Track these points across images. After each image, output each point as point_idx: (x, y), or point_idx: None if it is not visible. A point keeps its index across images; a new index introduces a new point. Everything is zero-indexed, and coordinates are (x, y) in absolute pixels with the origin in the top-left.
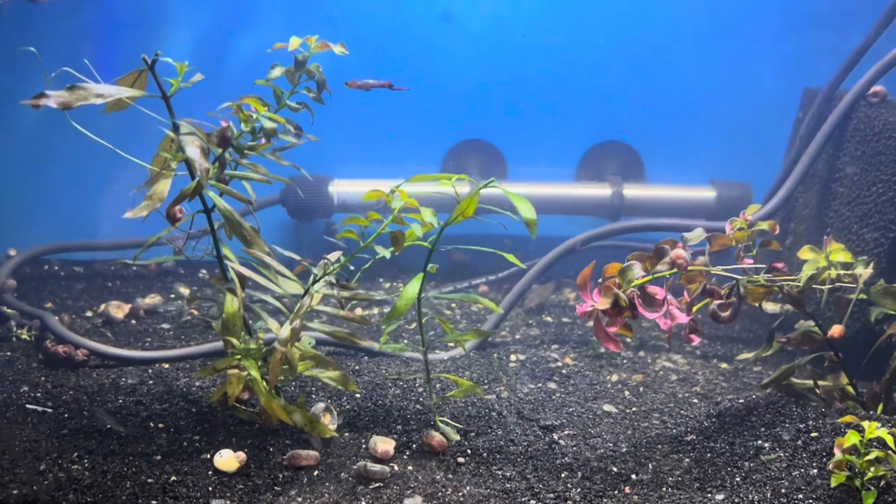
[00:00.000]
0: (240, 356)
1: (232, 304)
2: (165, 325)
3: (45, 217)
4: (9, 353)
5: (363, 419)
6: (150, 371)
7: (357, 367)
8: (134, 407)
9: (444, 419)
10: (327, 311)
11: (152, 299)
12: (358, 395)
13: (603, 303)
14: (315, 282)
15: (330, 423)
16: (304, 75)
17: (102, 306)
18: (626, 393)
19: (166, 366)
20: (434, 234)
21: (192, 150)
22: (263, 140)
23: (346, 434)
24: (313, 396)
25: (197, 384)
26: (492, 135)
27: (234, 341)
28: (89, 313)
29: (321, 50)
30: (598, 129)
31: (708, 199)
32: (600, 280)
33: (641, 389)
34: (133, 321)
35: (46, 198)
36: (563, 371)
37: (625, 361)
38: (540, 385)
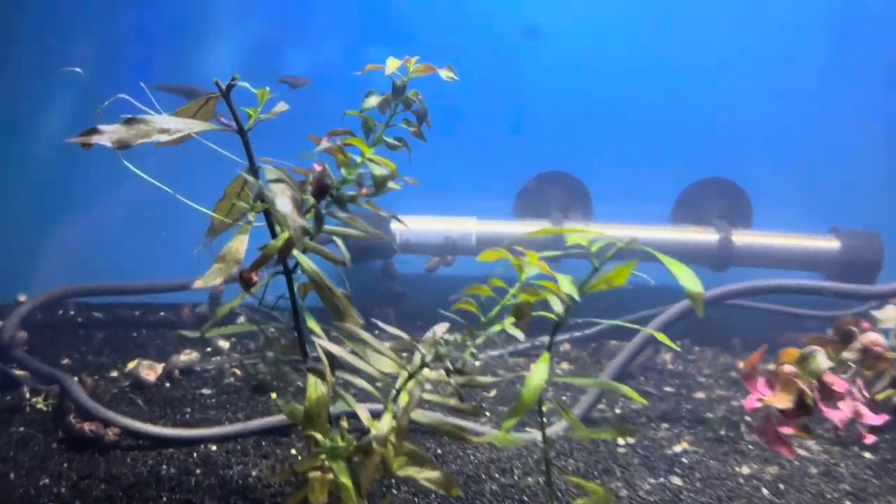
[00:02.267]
0: (325, 456)
1: (317, 389)
2: (206, 390)
3: (59, 256)
4: (22, 429)
5: None
6: (195, 455)
7: (440, 451)
8: None
9: None
10: (431, 400)
11: (188, 356)
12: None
13: (781, 400)
14: (424, 365)
15: None
16: (401, 104)
17: (130, 364)
18: (765, 491)
19: (214, 448)
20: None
21: (284, 202)
22: (363, 188)
23: None
24: (394, 491)
25: (254, 473)
26: (575, 166)
27: (319, 437)
28: (114, 373)
29: (423, 74)
30: (700, 163)
31: (830, 251)
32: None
33: (781, 487)
34: (167, 384)
35: (60, 234)
36: (683, 460)
37: (751, 447)
38: (662, 480)
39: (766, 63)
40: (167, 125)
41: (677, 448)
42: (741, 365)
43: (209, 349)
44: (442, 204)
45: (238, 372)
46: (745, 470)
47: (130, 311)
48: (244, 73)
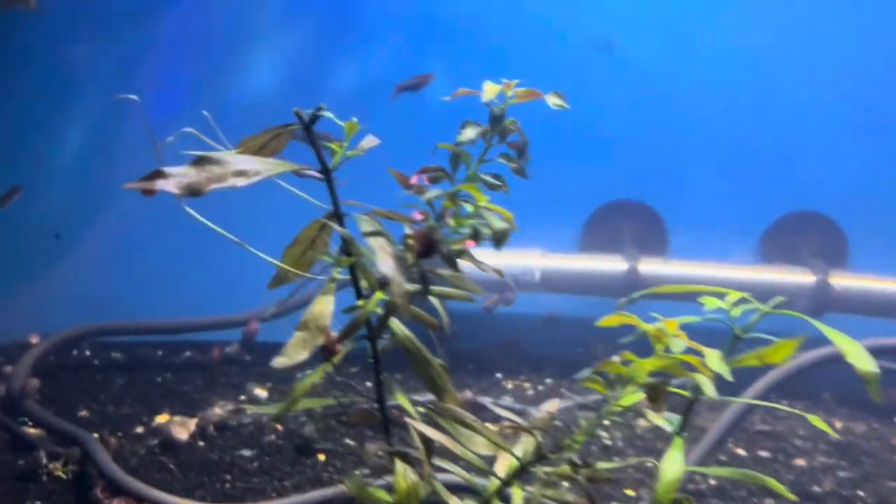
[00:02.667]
0: None
1: (407, 479)
2: (245, 451)
3: (73, 290)
4: (39, 503)
5: None
6: None
7: None
8: None
9: None
10: (546, 497)
11: (223, 409)
12: None
13: None
14: (542, 457)
15: None
16: (497, 136)
17: (158, 419)
18: None
19: None
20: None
21: (386, 262)
22: (469, 242)
23: None
24: None
25: None
26: (649, 194)
27: None
28: (139, 428)
29: (524, 100)
30: (790, 195)
31: None
32: None
33: None
34: (201, 443)
35: (74, 265)
36: None
37: None
38: None
39: (866, 93)
40: (243, 166)
41: None
42: None
43: (243, 397)
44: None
45: (279, 427)
46: None
47: (152, 352)
48: (287, 85)
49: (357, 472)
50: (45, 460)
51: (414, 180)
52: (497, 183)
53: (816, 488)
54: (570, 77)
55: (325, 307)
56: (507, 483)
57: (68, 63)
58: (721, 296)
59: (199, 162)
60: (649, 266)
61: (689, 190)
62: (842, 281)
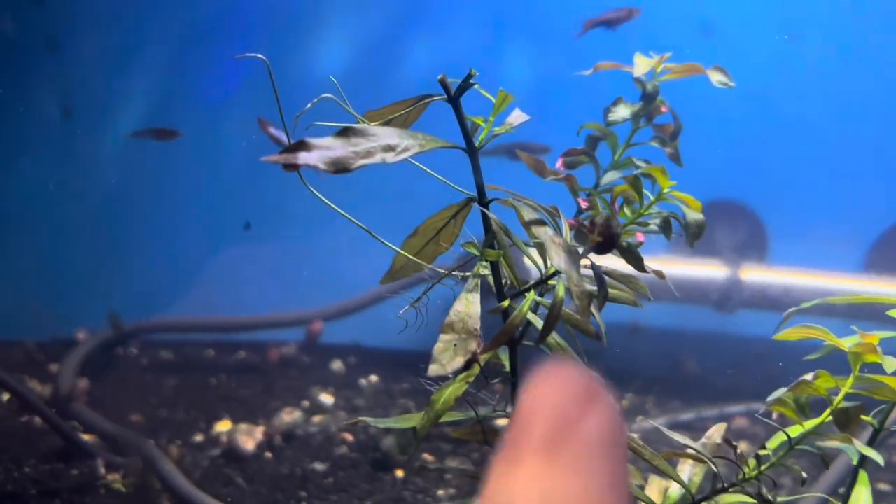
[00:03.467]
0: None
1: None
2: (318, 465)
3: (120, 281)
4: None
5: None
6: None
7: None
8: None
9: None
10: None
11: (290, 416)
12: None
13: None
14: (723, 489)
15: None
16: (644, 117)
17: (219, 426)
18: None
19: None
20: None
21: (559, 255)
22: (639, 235)
23: None
24: None
25: None
26: (749, 194)
27: None
28: (199, 436)
29: (681, 76)
30: None
31: None
32: None
33: None
34: (268, 453)
35: (122, 257)
36: None
37: None
38: None
39: None
40: (392, 140)
41: None
42: None
43: (307, 403)
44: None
45: (349, 437)
46: None
47: (203, 351)
48: (358, 68)
49: (442, 492)
50: (102, 470)
51: (559, 165)
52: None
53: None
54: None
55: (472, 307)
56: None
57: (122, 40)
58: None
59: (345, 133)
60: (752, 273)
61: (795, 190)
62: None
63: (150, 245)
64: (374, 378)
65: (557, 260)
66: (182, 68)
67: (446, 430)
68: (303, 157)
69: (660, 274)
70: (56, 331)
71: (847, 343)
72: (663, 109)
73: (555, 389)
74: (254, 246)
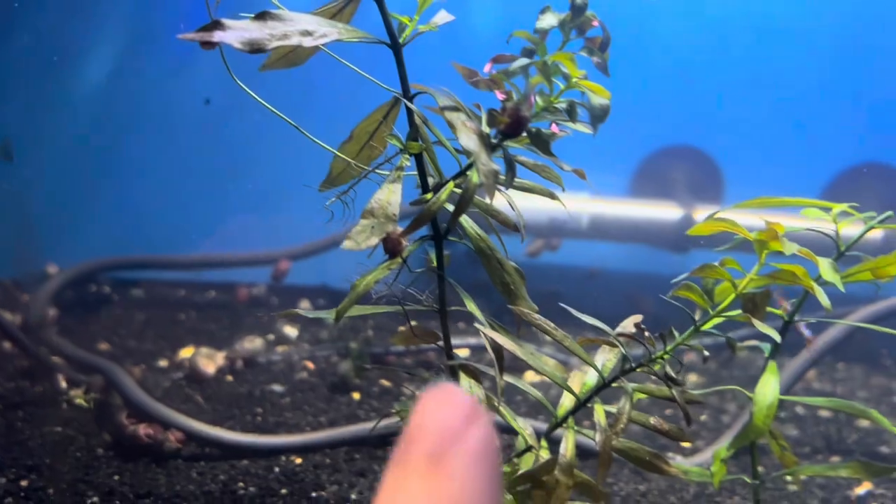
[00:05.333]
0: None
1: (473, 395)
2: (276, 387)
3: (100, 220)
4: (59, 429)
5: None
6: (276, 469)
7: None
8: None
9: None
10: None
11: (251, 343)
12: None
13: None
14: (631, 369)
15: None
16: (575, 30)
17: (183, 352)
18: None
19: (298, 460)
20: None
21: (468, 137)
22: (554, 126)
23: None
24: None
25: (353, 497)
26: (705, 140)
27: None
28: (164, 362)
29: None
30: (863, 144)
31: None
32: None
33: None
34: (229, 377)
35: (95, 195)
36: None
37: None
38: None
39: None
40: (310, 26)
41: (860, 490)
42: None
43: (272, 337)
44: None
45: (310, 365)
46: None
47: (174, 290)
48: None
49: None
50: (65, 386)
51: (487, 68)
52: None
53: (884, 448)
54: (628, 13)
55: (392, 195)
56: (585, 401)
57: None
58: (827, 209)
59: (262, 16)
60: (705, 214)
61: (751, 135)
62: None
63: (120, 186)
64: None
65: (467, 141)
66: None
67: (407, 360)
68: (218, 36)
69: (580, 173)
70: (29, 267)
71: (753, 233)
72: (594, 23)
73: (440, 408)
74: (224, 187)
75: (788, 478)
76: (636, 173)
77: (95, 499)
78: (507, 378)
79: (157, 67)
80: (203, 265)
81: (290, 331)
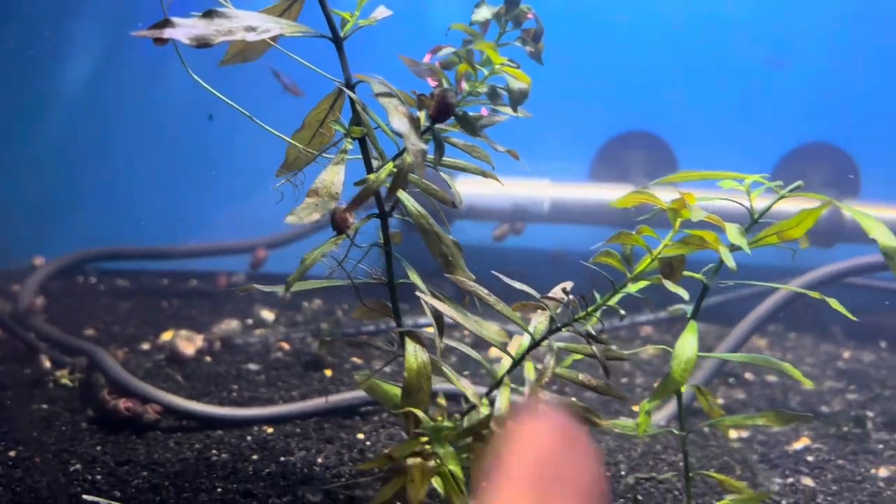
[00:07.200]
0: (427, 439)
1: (418, 358)
2: (252, 365)
3: (86, 213)
4: (45, 407)
5: None
6: (248, 439)
7: None
8: (242, 501)
9: None
10: (559, 373)
11: (228, 326)
12: None
13: None
14: (556, 330)
15: None
16: (511, 22)
17: (164, 336)
18: None
19: (270, 430)
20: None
21: (399, 120)
22: (483, 109)
23: None
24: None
25: (319, 461)
26: (660, 126)
27: (422, 415)
28: (146, 345)
29: None
30: (806, 126)
31: None
32: None
33: None
34: (207, 358)
35: (83, 191)
36: (808, 458)
37: (881, 447)
38: (791, 481)
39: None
40: (254, 22)
41: (798, 445)
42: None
43: (250, 321)
44: (509, 165)
45: (285, 346)
46: (883, 472)
47: (158, 280)
48: None
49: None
50: (50, 368)
51: (426, 59)
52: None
53: (825, 408)
54: (584, 5)
55: (335, 175)
56: (518, 361)
57: None
58: (740, 180)
59: (209, 14)
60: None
61: (701, 122)
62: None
63: (102, 181)
64: (317, 302)
65: (398, 123)
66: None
67: (378, 339)
68: (168, 33)
69: (513, 153)
70: (16, 260)
71: (677, 205)
72: (529, 15)
73: (538, 434)
74: (203, 180)
75: (732, 435)
76: (595, 158)
77: (78, 466)
78: (450, 342)
79: (139, 61)
80: (184, 255)
81: (268, 315)
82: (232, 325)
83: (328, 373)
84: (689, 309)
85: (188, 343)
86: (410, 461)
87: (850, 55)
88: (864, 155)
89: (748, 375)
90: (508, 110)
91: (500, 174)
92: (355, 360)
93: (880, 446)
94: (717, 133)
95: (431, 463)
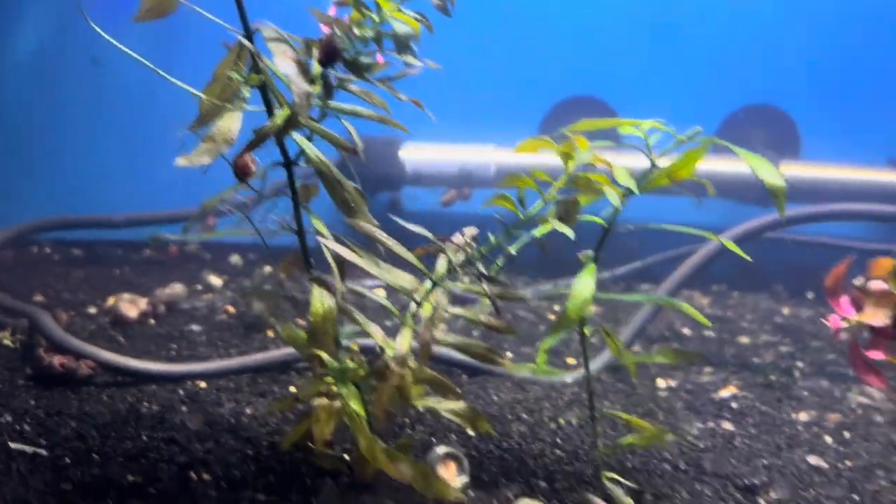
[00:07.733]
0: (332, 380)
1: (323, 303)
2: (195, 327)
3: (37, 184)
4: None
5: (488, 469)
6: (180, 392)
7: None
8: (165, 448)
9: (613, 475)
10: (458, 313)
11: (173, 290)
12: (472, 433)
13: (875, 316)
14: (451, 269)
15: (454, 477)
16: None
17: (110, 300)
18: (828, 439)
19: (203, 385)
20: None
21: (285, 63)
22: (379, 56)
23: (472, 492)
24: (408, 431)
25: (248, 411)
26: (605, 91)
27: (326, 357)
28: (93, 310)
29: None
30: (748, 89)
31: None
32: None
33: (847, 435)
34: (151, 320)
35: (36, 158)
36: (733, 405)
37: (806, 394)
38: (711, 425)
39: None
40: None
41: (724, 393)
42: (827, 282)
43: (198, 286)
44: (458, 131)
45: (231, 309)
46: (803, 417)
47: (112, 249)
48: None
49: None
50: None
51: (331, 12)
52: (418, 18)
53: (756, 359)
54: None
55: (232, 122)
56: (420, 303)
57: None
58: (637, 126)
59: None
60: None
61: (643, 86)
62: (788, 170)
63: (58, 151)
64: (268, 268)
65: (284, 67)
66: None
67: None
68: None
69: (417, 102)
70: None
71: (568, 148)
72: None
73: None
74: (158, 152)
75: (661, 384)
76: (542, 123)
77: (9, 417)
78: (353, 286)
79: (89, 29)
80: (135, 223)
81: (216, 281)
82: (176, 289)
83: (270, 334)
84: (590, 253)
85: (131, 306)
86: (316, 401)
87: (792, 19)
88: (806, 117)
89: (686, 331)
90: (415, 60)
91: (448, 141)
92: (299, 321)
93: (805, 393)
94: (659, 98)
95: (337, 403)
